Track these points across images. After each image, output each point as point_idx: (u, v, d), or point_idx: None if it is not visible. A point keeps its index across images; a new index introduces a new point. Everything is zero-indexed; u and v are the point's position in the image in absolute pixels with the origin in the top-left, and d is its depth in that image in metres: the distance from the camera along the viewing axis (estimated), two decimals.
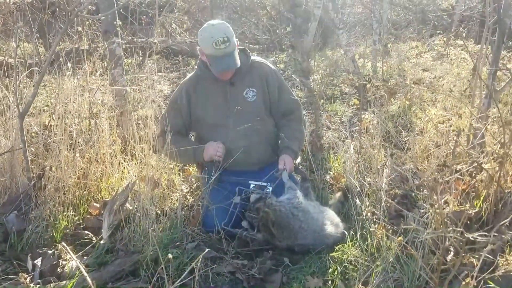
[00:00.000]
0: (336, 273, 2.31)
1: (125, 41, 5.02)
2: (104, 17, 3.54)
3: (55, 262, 2.27)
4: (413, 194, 2.79)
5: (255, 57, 2.94)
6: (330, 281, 2.27)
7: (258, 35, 8.58)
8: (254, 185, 2.72)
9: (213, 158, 2.74)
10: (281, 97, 2.93)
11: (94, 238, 2.55)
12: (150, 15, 7.03)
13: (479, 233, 1.71)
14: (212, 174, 2.71)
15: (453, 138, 2.82)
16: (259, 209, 2.53)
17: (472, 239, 1.73)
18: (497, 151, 2.32)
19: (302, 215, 2.51)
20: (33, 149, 2.96)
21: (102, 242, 2.46)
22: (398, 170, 2.84)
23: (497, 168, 2.31)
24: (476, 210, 2.38)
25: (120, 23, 3.44)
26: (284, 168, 2.73)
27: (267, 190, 2.68)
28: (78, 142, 2.94)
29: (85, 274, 1.72)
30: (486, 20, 3.39)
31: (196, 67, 2.94)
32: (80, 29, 3.64)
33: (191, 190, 3.16)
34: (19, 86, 2.85)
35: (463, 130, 3.08)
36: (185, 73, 6.07)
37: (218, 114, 2.83)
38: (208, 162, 2.80)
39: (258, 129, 2.81)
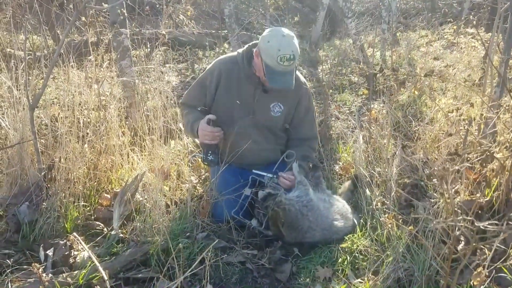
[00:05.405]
0: (346, 263, 2.31)
1: (133, 32, 5.02)
2: (111, 8, 3.54)
3: (67, 252, 2.29)
4: (423, 183, 2.77)
5: (297, 74, 2.80)
6: (340, 271, 2.28)
7: (265, 25, 8.51)
8: (268, 176, 2.72)
9: (204, 142, 2.71)
10: (304, 122, 2.90)
11: (105, 229, 2.57)
12: (157, 5, 7.00)
13: (490, 222, 1.69)
14: (209, 155, 2.69)
15: (464, 127, 2.78)
16: (268, 207, 2.52)
17: (483, 228, 1.71)
18: (509, 140, 2.29)
19: (312, 215, 2.49)
20: (42, 141, 2.98)
21: (113, 232, 2.48)
22: (408, 160, 2.82)
23: (509, 157, 2.28)
24: (487, 199, 2.36)
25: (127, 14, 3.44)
26: (295, 158, 2.69)
27: (275, 178, 2.68)
28: (87, 134, 2.95)
29: (97, 263, 1.74)
30: (498, 7, 3.33)
31: (239, 51, 2.77)
32: (84, 19, 3.61)
33: (201, 180, 3.17)
34: (28, 79, 2.86)
35: (474, 119, 3.05)
36: (192, 64, 6.05)
37: (238, 111, 2.77)
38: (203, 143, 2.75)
39: (270, 137, 2.85)
